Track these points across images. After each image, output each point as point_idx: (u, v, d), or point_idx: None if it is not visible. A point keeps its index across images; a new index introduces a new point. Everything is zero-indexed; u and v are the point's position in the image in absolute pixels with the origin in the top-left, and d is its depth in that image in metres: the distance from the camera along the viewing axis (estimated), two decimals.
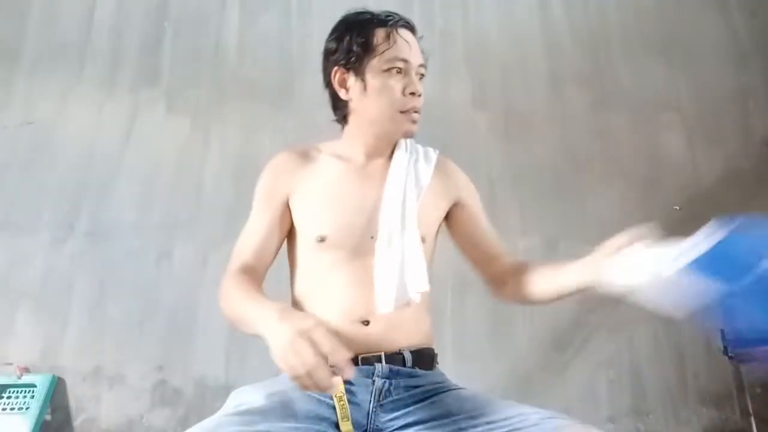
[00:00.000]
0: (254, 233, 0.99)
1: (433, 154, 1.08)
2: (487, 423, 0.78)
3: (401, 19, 1.01)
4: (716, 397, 1.85)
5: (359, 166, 1.03)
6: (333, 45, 1.02)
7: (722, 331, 1.62)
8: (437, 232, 1.07)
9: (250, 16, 2.35)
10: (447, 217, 1.09)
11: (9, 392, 1.84)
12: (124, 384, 1.88)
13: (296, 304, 0.99)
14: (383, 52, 0.97)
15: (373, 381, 0.87)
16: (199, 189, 2.11)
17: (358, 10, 1.03)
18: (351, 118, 1.04)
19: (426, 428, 0.81)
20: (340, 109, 1.05)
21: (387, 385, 0.87)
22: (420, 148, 1.08)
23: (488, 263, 1.06)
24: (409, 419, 0.84)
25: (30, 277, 1.99)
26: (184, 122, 2.20)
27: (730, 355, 1.58)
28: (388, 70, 0.97)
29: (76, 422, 1.85)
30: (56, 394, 1.86)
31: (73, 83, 2.24)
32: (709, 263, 0.63)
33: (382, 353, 0.89)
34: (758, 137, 2.18)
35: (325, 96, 1.08)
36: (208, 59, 2.29)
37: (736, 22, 2.34)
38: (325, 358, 0.64)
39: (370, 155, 1.04)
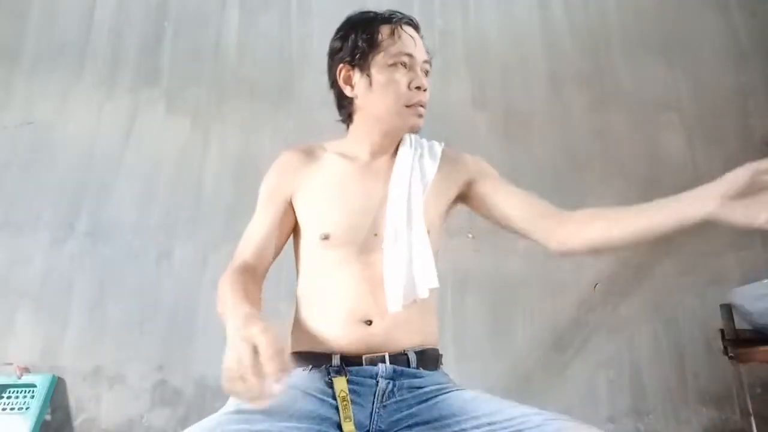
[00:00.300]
0: (255, 232, 1.00)
1: (438, 148, 1.08)
2: (490, 424, 0.78)
3: (405, 16, 1.03)
4: (716, 397, 1.85)
5: (364, 164, 1.03)
6: (338, 44, 1.03)
7: (722, 331, 1.62)
8: (441, 224, 1.06)
9: (250, 16, 2.35)
10: (467, 200, 1.07)
11: (9, 392, 1.84)
12: (124, 384, 1.89)
13: (301, 303, 0.99)
14: (388, 47, 0.98)
15: (377, 381, 0.87)
16: (199, 189, 2.11)
17: (362, 11, 1.04)
18: (356, 117, 1.04)
19: (429, 429, 0.82)
20: (345, 107, 1.05)
21: (390, 385, 0.87)
22: (425, 142, 1.09)
23: (539, 220, 0.98)
24: (412, 420, 0.84)
25: (30, 277, 1.99)
26: (184, 122, 2.20)
27: (730, 355, 1.58)
28: (394, 64, 0.98)
29: (76, 422, 1.85)
30: (56, 394, 1.86)
31: (73, 83, 2.24)
32: None
33: (386, 354, 0.89)
34: (758, 137, 2.18)
35: (326, 95, 1.08)
36: (208, 59, 2.29)
37: (736, 22, 2.34)
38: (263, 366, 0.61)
39: (375, 153, 1.04)
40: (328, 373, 0.87)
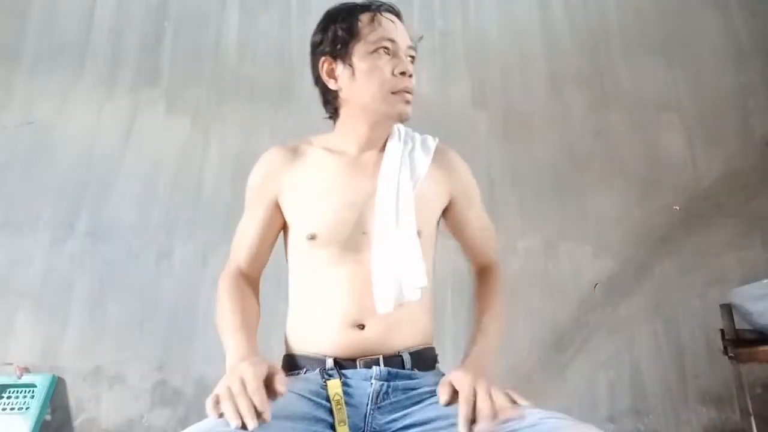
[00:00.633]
0: (246, 236, 1.00)
1: (432, 143, 1.04)
2: None
3: (385, 3, 1.00)
4: (716, 397, 1.85)
5: (351, 159, 1.00)
6: (318, 37, 1.01)
7: (722, 331, 1.62)
8: (437, 224, 1.04)
9: (250, 16, 2.35)
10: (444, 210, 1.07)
11: (9, 392, 1.84)
12: (124, 384, 1.89)
13: (293, 303, 0.99)
14: (368, 34, 0.95)
15: (371, 383, 0.86)
16: (199, 189, 2.11)
17: (342, 2, 1.02)
18: (342, 110, 1.01)
19: (423, 430, 0.81)
20: (331, 102, 1.02)
21: (385, 387, 0.86)
22: (417, 136, 1.05)
23: (472, 257, 1.11)
24: (407, 421, 0.83)
25: (30, 277, 1.99)
26: (184, 122, 2.20)
27: (730, 355, 1.58)
28: (376, 50, 0.94)
29: (76, 422, 1.85)
30: (56, 394, 1.86)
31: (73, 83, 2.24)
32: None
33: (380, 356, 0.89)
34: (758, 137, 2.18)
35: None
36: (208, 59, 2.29)
37: (736, 21, 2.34)
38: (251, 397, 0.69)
39: (363, 147, 1.00)
40: (323, 377, 0.87)
